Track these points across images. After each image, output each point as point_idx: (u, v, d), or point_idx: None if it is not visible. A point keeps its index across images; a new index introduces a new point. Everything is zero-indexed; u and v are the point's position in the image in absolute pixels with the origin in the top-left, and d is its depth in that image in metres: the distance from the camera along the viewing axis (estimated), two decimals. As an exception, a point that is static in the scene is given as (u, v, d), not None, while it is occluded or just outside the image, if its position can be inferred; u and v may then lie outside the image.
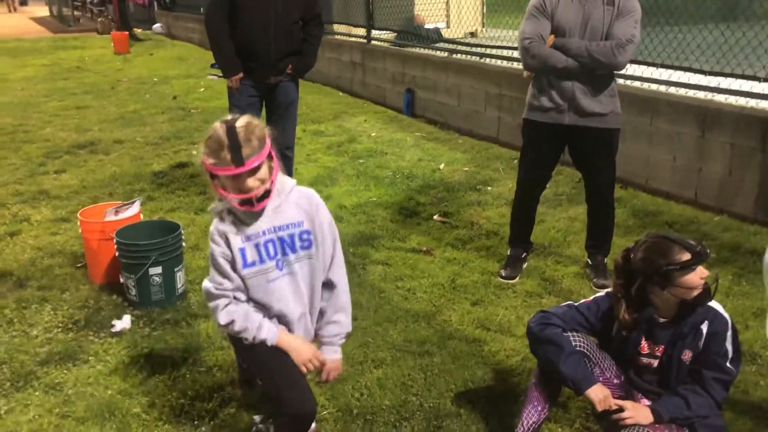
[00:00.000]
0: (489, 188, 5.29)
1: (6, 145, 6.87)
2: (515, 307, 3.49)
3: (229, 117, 2.15)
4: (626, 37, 3.31)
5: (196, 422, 2.67)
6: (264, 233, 2.21)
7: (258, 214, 2.21)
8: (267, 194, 2.14)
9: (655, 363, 2.36)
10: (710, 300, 2.27)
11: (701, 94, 4.86)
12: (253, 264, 2.20)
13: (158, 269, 3.50)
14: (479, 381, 2.90)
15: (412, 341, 3.18)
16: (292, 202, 2.26)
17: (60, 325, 3.42)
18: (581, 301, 2.47)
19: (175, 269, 3.59)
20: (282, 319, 2.29)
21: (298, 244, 2.25)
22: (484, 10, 11.23)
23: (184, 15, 16.79)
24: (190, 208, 4.98)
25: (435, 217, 4.71)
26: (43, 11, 27.46)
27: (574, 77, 3.41)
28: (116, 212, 3.86)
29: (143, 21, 19.75)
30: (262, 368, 2.28)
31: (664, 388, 2.34)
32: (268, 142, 2.13)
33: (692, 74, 4.88)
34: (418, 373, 2.95)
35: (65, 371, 3.03)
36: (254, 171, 2.09)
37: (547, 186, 3.92)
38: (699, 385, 2.24)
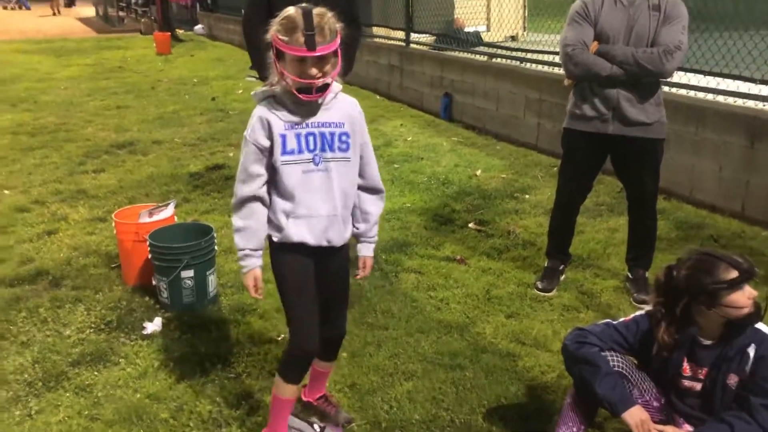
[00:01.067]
0: (527, 196, 5.18)
1: (48, 143, 6.99)
2: (551, 321, 3.39)
3: (303, 3, 2.20)
4: (674, 43, 3.19)
5: (223, 429, 2.64)
6: (307, 125, 2.24)
7: (307, 107, 2.23)
8: (325, 87, 2.19)
9: (698, 386, 2.25)
10: (759, 321, 2.15)
11: (751, 103, 4.68)
12: (292, 152, 2.23)
13: (190, 272, 3.49)
14: (512, 397, 2.81)
15: (444, 354, 3.11)
16: (337, 104, 2.31)
17: (92, 325, 3.43)
18: (619, 320, 2.37)
19: (207, 273, 3.58)
20: (306, 213, 2.29)
21: (336, 144, 2.28)
22: (526, 14, 11.10)
23: (224, 16, 16.97)
24: (224, 211, 4.97)
25: (470, 225, 4.62)
26: (90, 12, 28.03)
27: (619, 85, 3.30)
28: (150, 214, 3.87)
29: (185, 22, 20.03)
30: (283, 295, 2.40)
31: (707, 413, 2.23)
32: (339, 38, 2.16)
33: (741, 82, 4.71)
34: (450, 386, 2.87)
35: (96, 373, 3.03)
36: (321, 60, 2.13)
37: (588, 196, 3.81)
38: (746, 413, 2.12)
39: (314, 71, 2.13)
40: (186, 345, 3.21)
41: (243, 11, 4.57)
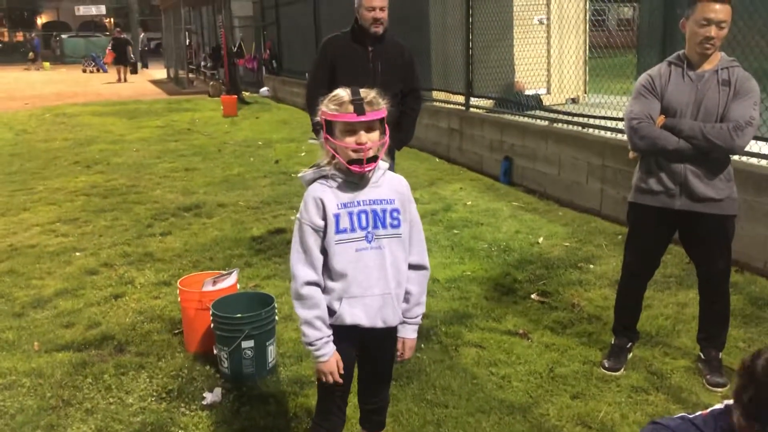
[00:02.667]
0: (591, 266, 5.06)
1: (119, 206, 7.26)
2: (619, 404, 3.25)
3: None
4: (744, 119, 3.11)
5: None
6: (359, 203, 2.28)
7: (358, 182, 2.29)
8: (374, 159, 2.24)
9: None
10: None
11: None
12: (345, 231, 2.26)
13: (250, 343, 3.51)
14: (579, 488, 2.68)
15: (507, 436, 3.01)
16: (386, 181, 2.36)
17: (154, 393, 3.47)
18: (697, 413, 2.24)
19: (267, 343, 3.59)
20: (360, 293, 2.30)
21: (388, 220, 2.31)
22: (587, 77, 11.06)
23: (289, 79, 17.53)
24: (285, 276, 5.01)
25: (533, 296, 4.53)
26: (161, 73, 29.39)
27: (687, 160, 3.22)
28: (214, 282, 3.93)
29: (251, 84, 20.77)
30: (319, 382, 2.45)
31: None
32: (386, 112, 2.26)
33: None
34: (513, 473, 2.77)
35: (156, 444, 3.05)
36: (370, 128, 2.22)
37: (655, 270, 3.69)
38: None
39: (364, 137, 2.20)
40: (244, 418, 3.21)
41: (308, 74, 4.70)
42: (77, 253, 5.70)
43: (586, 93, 11.01)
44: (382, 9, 4.34)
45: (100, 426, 3.19)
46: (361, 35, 4.39)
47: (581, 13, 10.72)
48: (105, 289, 4.91)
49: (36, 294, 4.82)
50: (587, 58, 10.95)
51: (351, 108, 2.19)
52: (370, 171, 2.27)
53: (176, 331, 4.14)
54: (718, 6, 3.10)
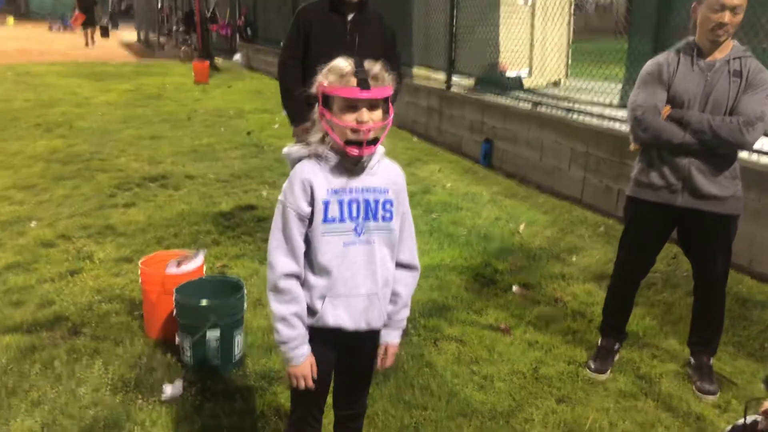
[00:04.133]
0: (573, 258, 4.88)
1: (80, 173, 6.87)
2: (607, 410, 3.07)
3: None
4: (756, 114, 2.91)
5: None
6: (351, 191, 2.03)
7: (352, 167, 2.03)
8: (375, 141, 1.99)
9: None
10: None
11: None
12: (333, 221, 2.01)
13: (216, 333, 3.25)
14: (567, 504, 2.50)
15: (489, 443, 2.81)
16: (381, 169, 2.10)
17: (109, 384, 3.20)
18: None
19: (235, 333, 3.34)
20: (345, 292, 2.06)
21: (380, 212, 2.07)
22: (569, 60, 10.87)
23: (263, 48, 17.04)
24: (255, 256, 4.75)
25: (514, 288, 4.33)
26: (132, 36, 28.48)
27: (692, 154, 3.03)
28: (179, 264, 3.65)
29: (225, 51, 20.19)
30: (293, 388, 2.18)
31: None
32: (392, 88, 2.00)
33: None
34: (496, 486, 2.57)
35: (108, 442, 2.79)
36: (373, 106, 1.96)
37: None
38: None
39: (366, 116, 1.94)
40: (207, 415, 2.96)
41: (279, 55, 4.35)
42: (32, 223, 5.35)
43: (567, 77, 10.82)
44: None
45: (46, 419, 2.91)
46: (339, 2, 4.07)
47: (567, -6, 10.50)
48: (61, 264, 4.59)
49: (-16, 267, 4.48)
50: (570, 41, 10.77)
51: (354, 81, 1.92)
52: (368, 155, 2.01)
53: (136, 313, 3.86)
54: None
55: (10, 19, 37.13)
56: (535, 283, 4.42)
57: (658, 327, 3.85)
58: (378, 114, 1.98)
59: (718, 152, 3.02)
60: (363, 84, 1.92)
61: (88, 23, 24.33)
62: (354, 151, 1.96)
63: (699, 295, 3.33)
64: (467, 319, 3.92)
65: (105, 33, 26.49)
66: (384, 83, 1.97)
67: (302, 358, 2.07)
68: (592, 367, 3.39)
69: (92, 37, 24.51)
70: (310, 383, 2.10)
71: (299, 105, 4.22)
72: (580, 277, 4.55)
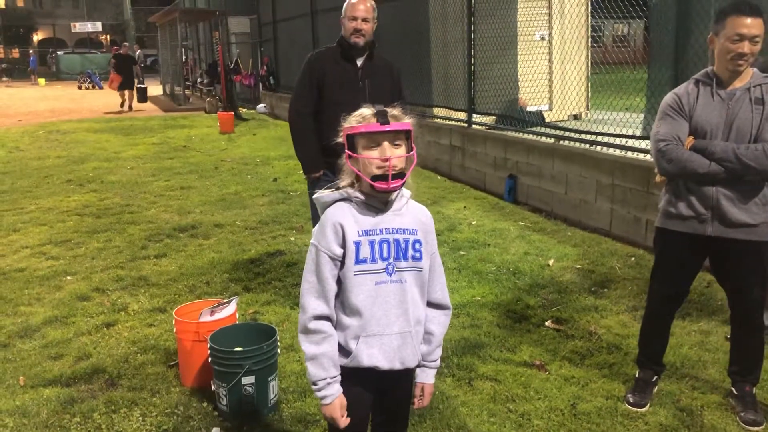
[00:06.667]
0: (605, 290, 4.84)
1: (112, 226, 7.02)
2: (649, 445, 3.02)
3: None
4: (781, 139, 2.91)
5: None
6: (381, 231, 2.10)
7: (381, 207, 2.11)
8: (401, 176, 2.06)
9: None
10: None
11: None
12: (365, 261, 2.07)
13: (251, 378, 3.28)
14: None
15: (530, 483, 2.77)
16: (409, 210, 2.18)
17: (148, 434, 3.23)
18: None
19: (269, 378, 3.36)
20: (378, 331, 2.09)
21: (410, 252, 2.12)
22: (589, 93, 10.92)
23: (286, 95, 17.36)
24: (285, 302, 4.79)
25: (547, 323, 4.30)
26: (157, 90, 29.17)
27: (719, 183, 3.02)
28: (212, 312, 3.70)
29: (248, 101, 20.60)
30: (331, 429, 2.23)
31: None
32: (413, 128, 2.10)
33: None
34: None
35: (149, 493, 2.80)
36: (396, 144, 2.06)
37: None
38: None
39: (388, 152, 2.03)
40: (245, 463, 2.97)
41: (290, 103, 4.42)
42: (68, 278, 5.46)
43: (588, 109, 10.86)
44: (365, 20, 4.15)
45: (88, 472, 2.94)
46: (350, 51, 4.19)
47: (583, 28, 10.61)
48: (96, 316, 4.66)
49: (23, 322, 4.57)
50: (589, 73, 10.83)
51: (374, 120, 2.05)
52: (396, 189, 2.07)
53: (171, 363, 3.90)
54: (750, 20, 2.91)
55: (41, 81, 38.40)
56: (568, 317, 4.38)
57: (696, 357, 3.78)
58: (401, 150, 2.08)
59: (746, 180, 3.01)
60: (382, 119, 2.03)
61: (125, 85, 20.74)
62: (382, 186, 2.03)
63: (736, 323, 3.28)
64: (501, 357, 3.89)
65: (142, 97, 22.29)
66: (403, 119, 2.08)
67: (332, 398, 2.09)
68: (631, 400, 3.34)
69: (129, 102, 20.99)
70: (341, 423, 2.11)
71: (311, 154, 4.29)
72: (613, 309, 4.50)
